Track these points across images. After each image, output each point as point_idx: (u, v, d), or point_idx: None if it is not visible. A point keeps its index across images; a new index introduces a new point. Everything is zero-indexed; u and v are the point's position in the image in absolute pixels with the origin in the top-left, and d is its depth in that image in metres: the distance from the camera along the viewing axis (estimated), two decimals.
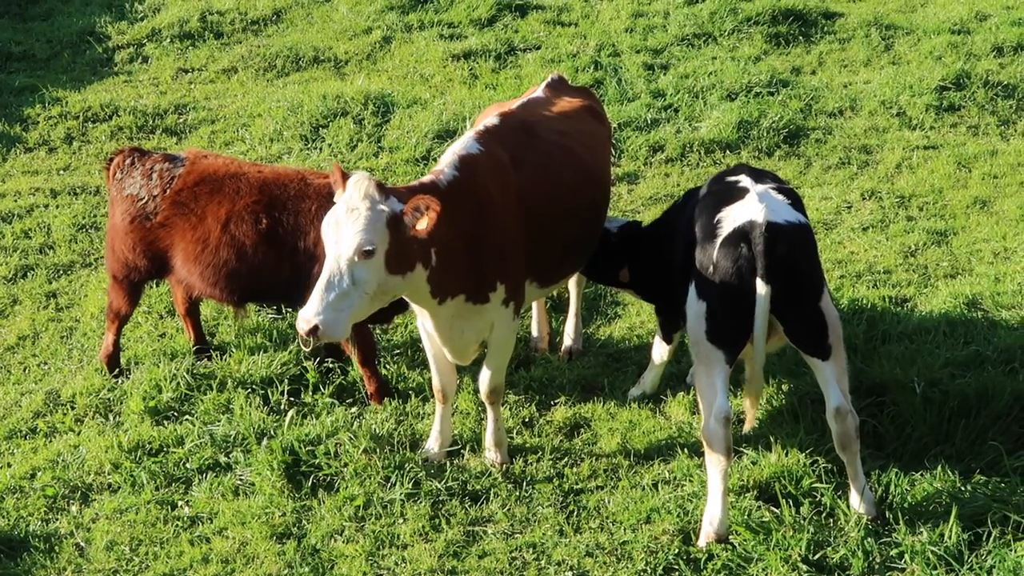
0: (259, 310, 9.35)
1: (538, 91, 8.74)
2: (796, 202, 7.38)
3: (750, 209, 7.03)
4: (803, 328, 7.06)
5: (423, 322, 7.64)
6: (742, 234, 6.94)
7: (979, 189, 11.37)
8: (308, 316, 6.67)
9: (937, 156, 12.03)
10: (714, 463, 7.01)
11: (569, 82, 9.18)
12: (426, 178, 7.34)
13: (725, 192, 7.38)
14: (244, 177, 8.41)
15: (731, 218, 7.08)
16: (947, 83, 13.28)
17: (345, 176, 6.89)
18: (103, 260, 10.09)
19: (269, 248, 8.20)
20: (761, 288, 6.82)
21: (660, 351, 8.42)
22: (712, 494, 7.04)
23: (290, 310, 9.16)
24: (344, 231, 6.71)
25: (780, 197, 7.24)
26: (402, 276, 6.89)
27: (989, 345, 8.58)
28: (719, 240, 7.03)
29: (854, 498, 7.17)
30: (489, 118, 7.97)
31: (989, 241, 10.47)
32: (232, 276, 8.30)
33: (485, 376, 7.75)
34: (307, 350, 7.30)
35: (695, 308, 7.15)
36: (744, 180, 7.43)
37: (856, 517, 7.07)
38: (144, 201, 8.51)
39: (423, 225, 6.74)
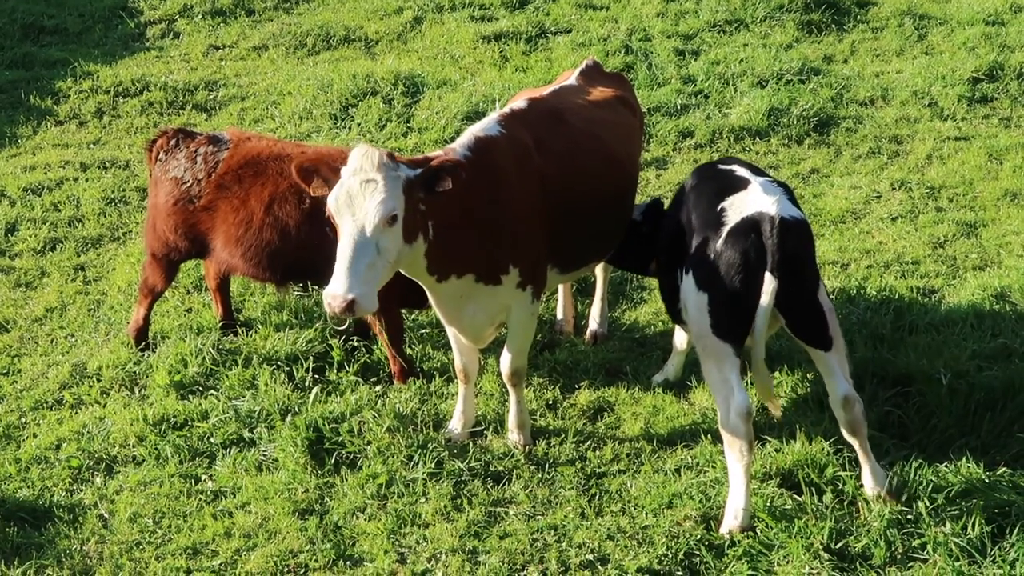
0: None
1: (571, 78, 8.70)
2: (792, 197, 7.25)
3: (758, 200, 6.89)
4: (805, 321, 6.97)
5: None
6: (752, 225, 6.79)
7: (1010, 181, 11.29)
8: (339, 292, 6.46)
9: (968, 147, 11.95)
10: (736, 458, 6.95)
11: (603, 68, 9.15)
12: (434, 153, 7.31)
13: (724, 181, 7.24)
14: (287, 158, 8.42)
15: (736, 208, 6.93)
16: (980, 74, 13.21)
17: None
18: (131, 234, 10.14)
19: (312, 227, 8.19)
20: (769, 282, 6.69)
21: (680, 336, 8.39)
22: (734, 487, 7.00)
23: (315, 288, 9.17)
24: (366, 202, 6.59)
25: (780, 189, 7.12)
26: (411, 245, 6.82)
27: (1017, 338, 8.53)
28: (725, 230, 6.88)
29: (867, 478, 7.13)
30: (517, 102, 7.96)
31: (1019, 234, 10.40)
32: (275, 256, 8.32)
33: (506, 359, 7.75)
34: (340, 328, 7.23)
35: (695, 300, 7.02)
36: (740, 170, 7.32)
37: (879, 509, 7.03)
38: (188, 184, 8.53)
39: (448, 184, 6.71)
